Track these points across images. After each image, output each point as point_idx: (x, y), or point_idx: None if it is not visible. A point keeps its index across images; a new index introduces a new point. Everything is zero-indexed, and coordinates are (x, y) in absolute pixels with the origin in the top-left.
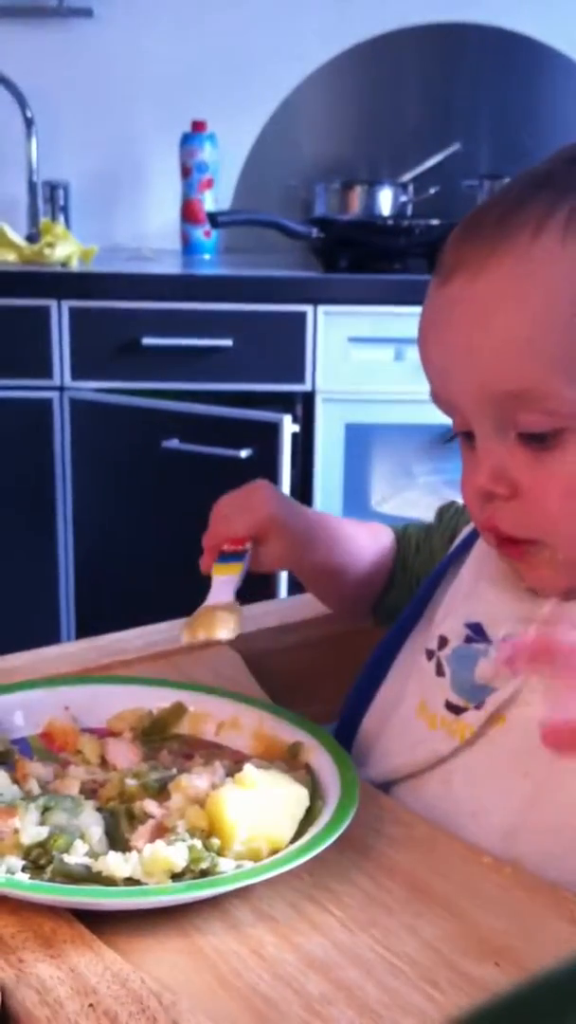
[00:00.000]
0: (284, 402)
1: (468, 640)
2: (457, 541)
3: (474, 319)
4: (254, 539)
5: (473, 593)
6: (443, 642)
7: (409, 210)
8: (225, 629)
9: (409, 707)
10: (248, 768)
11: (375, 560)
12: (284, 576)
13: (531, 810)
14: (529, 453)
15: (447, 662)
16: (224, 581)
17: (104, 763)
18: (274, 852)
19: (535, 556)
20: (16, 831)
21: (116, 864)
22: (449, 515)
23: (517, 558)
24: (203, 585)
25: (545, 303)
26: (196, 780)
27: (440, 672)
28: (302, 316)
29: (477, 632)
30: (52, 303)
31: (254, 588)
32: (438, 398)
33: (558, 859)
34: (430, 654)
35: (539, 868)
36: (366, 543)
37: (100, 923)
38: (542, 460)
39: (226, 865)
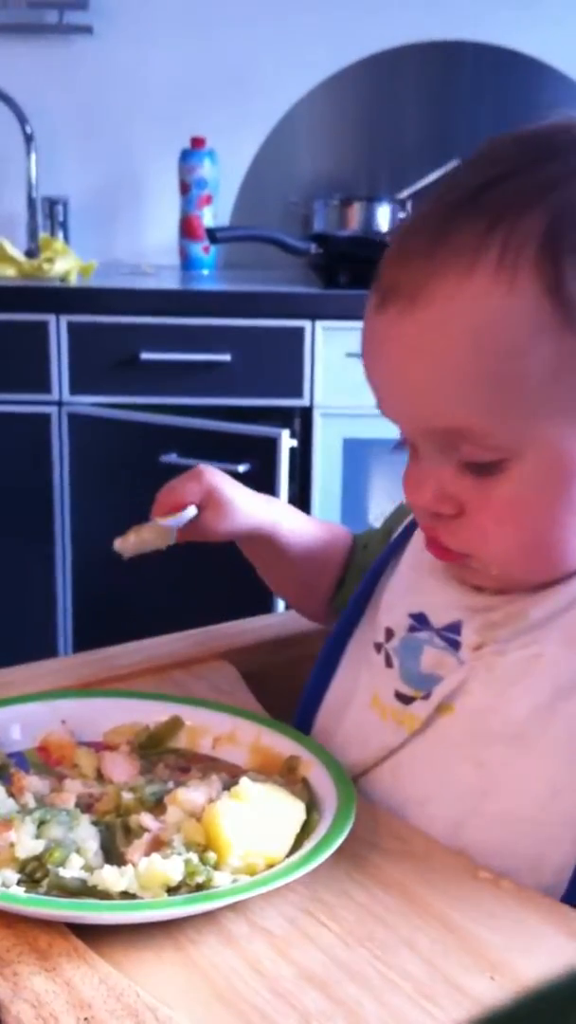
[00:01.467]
0: (282, 417)
1: (412, 630)
2: (394, 536)
3: (407, 355)
4: (198, 505)
5: (415, 584)
6: (389, 634)
7: None
8: (156, 536)
9: (362, 701)
10: (244, 782)
11: (328, 552)
12: None
13: (480, 800)
14: (471, 477)
15: (395, 653)
16: (151, 523)
17: (100, 776)
18: (270, 866)
19: (470, 566)
20: (12, 844)
21: (112, 878)
22: (391, 512)
23: (446, 560)
24: (201, 600)
25: (474, 345)
26: (193, 794)
27: (389, 663)
28: (301, 332)
29: (421, 621)
30: (51, 318)
31: (251, 604)
32: (383, 412)
33: (506, 849)
34: (378, 647)
35: (486, 858)
36: (320, 535)
37: (96, 937)
38: (485, 485)
39: (222, 879)
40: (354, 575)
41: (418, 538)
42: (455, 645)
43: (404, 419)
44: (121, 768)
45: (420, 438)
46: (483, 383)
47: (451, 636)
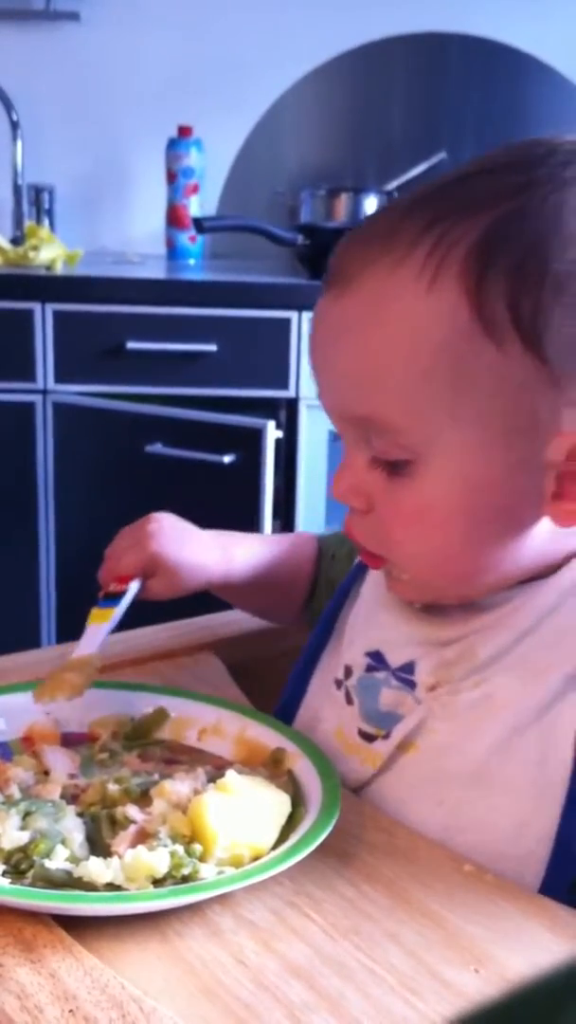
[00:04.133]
0: (268, 408)
1: (370, 669)
2: (356, 559)
3: (330, 340)
4: (143, 574)
5: (371, 619)
6: (348, 671)
7: None
8: (71, 692)
9: (327, 731)
10: (230, 774)
11: (293, 570)
12: None
13: (444, 837)
14: (384, 475)
15: (354, 691)
16: (92, 631)
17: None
18: (256, 858)
19: (391, 573)
20: None
21: (97, 869)
22: None
23: (375, 568)
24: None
25: (390, 339)
26: (178, 786)
27: (349, 701)
28: (287, 322)
29: (378, 660)
30: (36, 306)
31: None
32: (320, 400)
33: None
34: (338, 683)
35: None
36: (281, 555)
37: (81, 928)
38: (393, 484)
39: (207, 871)
40: (323, 586)
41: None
42: (411, 685)
43: (329, 404)
44: (61, 760)
45: (341, 425)
46: (395, 376)
47: (406, 676)
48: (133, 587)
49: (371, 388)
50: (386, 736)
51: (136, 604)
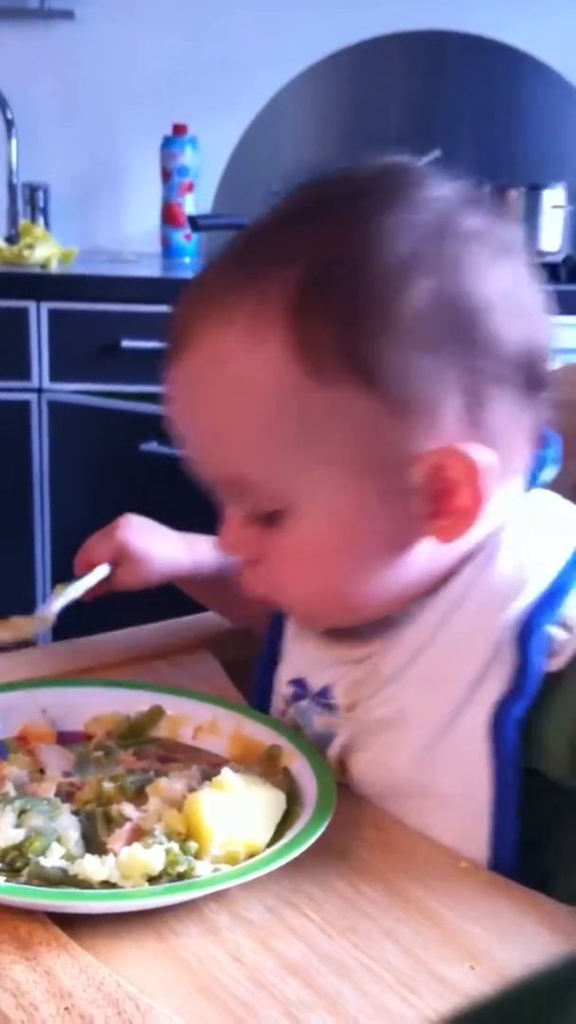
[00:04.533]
0: None
1: (297, 697)
2: None
3: (179, 407)
4: (111, 561)
5: (294, 643)
6: (285, 701)
7: None
8: (14, 632)
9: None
10: (226, 772)
11: None
12: None
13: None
14: (260, 526)
15: (297, 718)
16: (53, 596)
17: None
18: (251, 856)
19: (279, 606)
20: None
21: (93, 867)
22: None
23: (261, 603)
24: (179, 590)
25: (231, 400)
26: (174, 783)
27: (296, 727)
28: None
29: (300, 687)
30: (31, 305)
31: None
32: None
33: None
34: (282, 712)
35: None
36: None
37: (76, 926)
38: (270, 534)
39: (203, 869)
40: None
41: None
42: (332, 708)
43: (196, 468)
44: (56, 759)
45: (211, 485)
46: (243, 435)
47: (326, 701)
48: (99, 569)
49: (224, 449)
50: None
51: (136, 604)
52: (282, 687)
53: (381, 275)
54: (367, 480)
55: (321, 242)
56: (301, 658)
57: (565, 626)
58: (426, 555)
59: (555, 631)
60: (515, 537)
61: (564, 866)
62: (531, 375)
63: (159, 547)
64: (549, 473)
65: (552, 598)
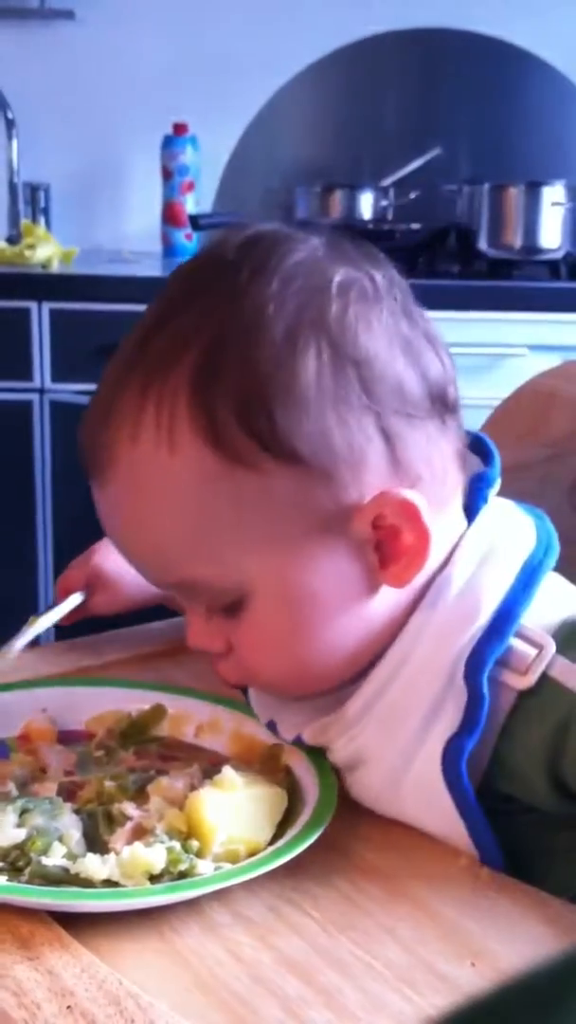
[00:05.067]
0: None
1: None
2: None
3: (114, 521)
4: (85, 587)
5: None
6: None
7: (390, 214)
8: None
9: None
10: (227, 770)
11: None
12: None
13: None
14: (222, 617)
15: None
16: (25, 628)
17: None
18: (252, 854)
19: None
20: None
21: (94, 866)
22: None
23: (238, 687)
24: None
25: (157, 511)
26: (175, 782)
27: None
28: None
29: (274, 729)
30: (32, 305)
31: None
32: None
33: None
34: None
35: None
36: None
37: (78, 925)
38: (235, 623)
39: (204, 867)
40: None
41: None
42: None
43: (145, 577)
44: (57, 758)
45: (167, 591)
46: (183, 538)
47: (300, 744)
48: (72, 598)
49: (165, 559)
50: None
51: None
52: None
53: (269, 351)
54: (311, 548)
55: (203, 331)
56: (270, 704)
57: (532, 643)
58: (384, 604)
59: (522, 647)
60: (465, 564)
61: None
62: (439, 403)
63: (131, 576)
64: (494, 491)
65: (501, 623)
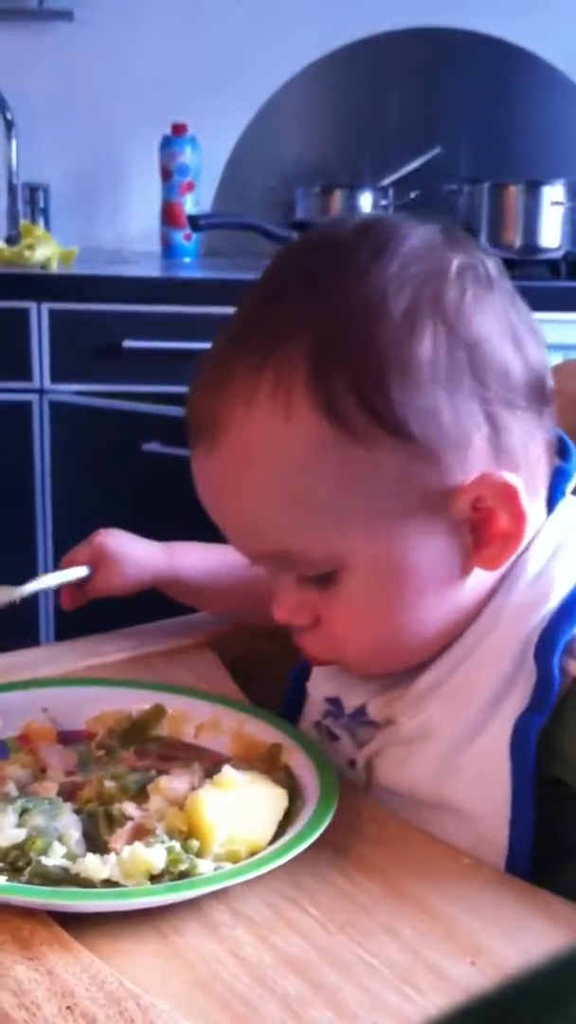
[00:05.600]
0: None
1: (330, 714)
2: None
3: (216, 488)
4: (90, 565)
5: (324, 670)
6: (324, 714)
7: (390, 213)
8: None
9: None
10: (227, 770)
11: (252, 582)
12: None
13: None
14: (315, 589)
15: (335, 728)
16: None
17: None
18: (253, 854)
19: (340, 665)
20: None
21: (94, 866)
22: None
23: (323, 665)
24: None
25: (269, 478)
26: (175, 782)
27: (333, 737)
28: None
29: (336, 705)
30: (32, 305)
31: None
32: None
33: None
34: (317, 724)
35: None
36: (241, 567)
37: (78, 925)
38: (327, 595)
39: (205, 867)
40: None
41: None
42: (367, 724)
43: (236, 546)
44: (58, 758)
45: (257, 561)
46: (286, 507)
47: (362, 718)
48: (78, 568)
49: (267, 527)
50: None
51: (137, 603)
52: (316, 700)
53: (388, 329)
54: (411, 525)
55: (322, 308)
56: (335, 680)
57: None
58: (473, 587)
59: None
60: (541, 552)
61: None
62: (538, 394)
63: (135, 551)
64: (571, 485)
65: (571, 610)
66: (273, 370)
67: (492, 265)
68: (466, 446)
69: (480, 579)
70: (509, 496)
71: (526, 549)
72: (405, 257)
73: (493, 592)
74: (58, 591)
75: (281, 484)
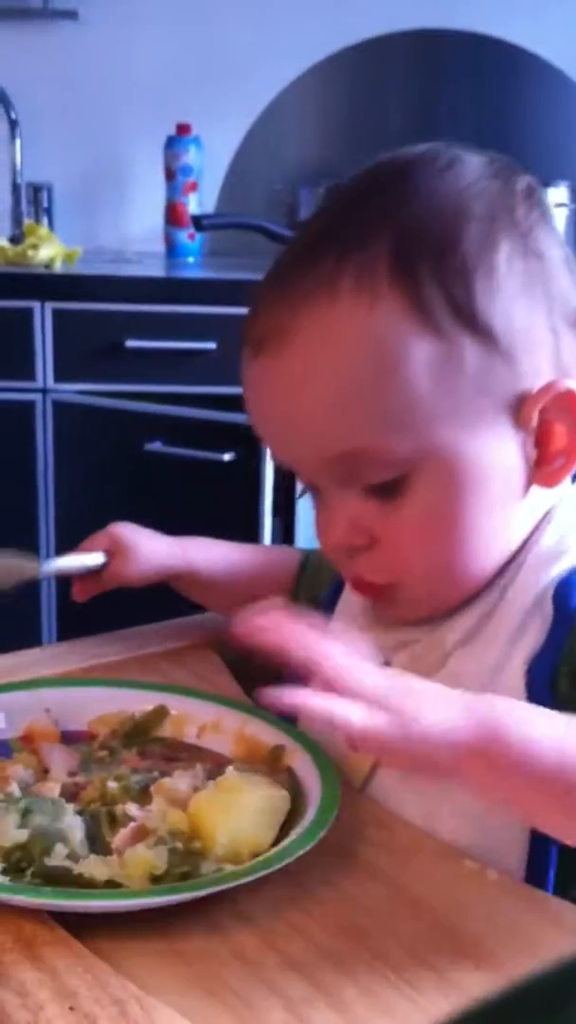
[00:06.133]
0: None
1: None
2: (328, 589)
3: (287, 391)
4: (106, 552)
5: (345, 632)
6: None
7: None
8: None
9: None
10: (230, 771)
11: (269, 575)
12: None
13: (429, 825)
14: (377, 502)
15: None
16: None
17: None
18: (256, 855)
19: (396, 596)
20: None
21: (97, 867)
22: None
23: (378, 599)
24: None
25: (350, 366)
26: (177, 783)
27: None
28: None
29: None
30: (35, 305)
31: None
32: (277, 459)
33: (472, 841)
34: None
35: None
36: (256, 562)
37: (81, 926)
38: (390, 507)
39: (207, 868)
40: (303, 599)
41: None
42: None
43: (301, 456)
44: (60, 758)
45: (319, 473)
46: (368, 401)
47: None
48: (96, 554)
49: (349, 420)
50: None
51: (139, 604)
52: None
53: (470, 230)
54: (485, 426)
55: (403, 210)
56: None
57: None
58: (523, 517)
59: None
60: (569, 503)
61: None
62: None
63: (150, 542)
64: None
65: None
66: (354, 266)
67: (544, 196)
68: (536, 351)
69: (529, 512)
70: (570, 405)
71: (560, 497)
72: (475, 172)
73: (524, 545)
74: (68, 586)
75: (367, 374)
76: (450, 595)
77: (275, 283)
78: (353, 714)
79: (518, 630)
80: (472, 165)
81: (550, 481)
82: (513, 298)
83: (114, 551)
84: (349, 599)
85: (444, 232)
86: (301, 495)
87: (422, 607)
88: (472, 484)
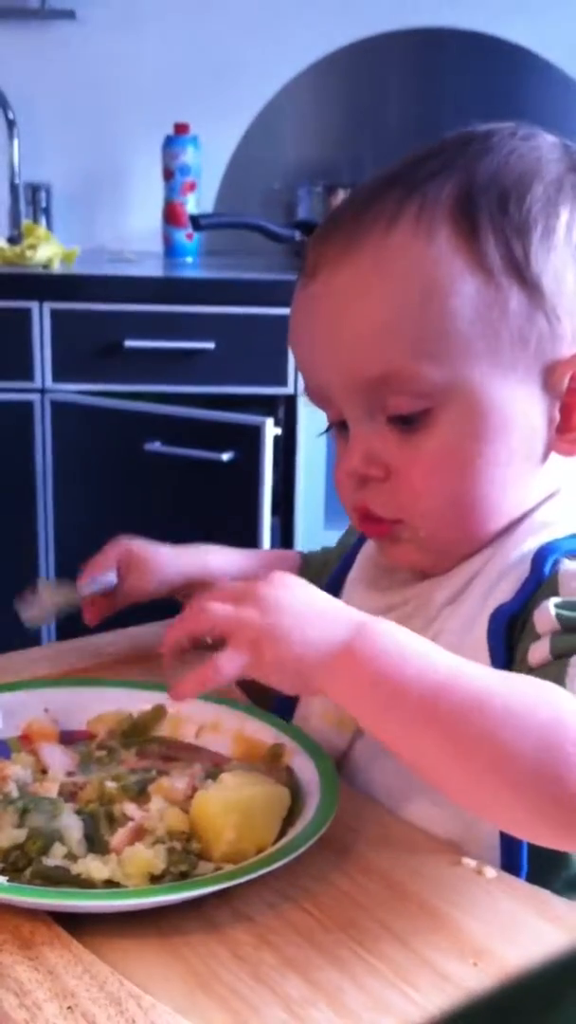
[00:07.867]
0: (266, 405)
1: None
2: (347, 551)
3: (335, 311)
4: (117, 569)
5: (348, 598)
6: None
7: None
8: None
9: (319, 716)
10: (234, 768)
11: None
12: None
13: (395, 803)
14: (398, 435)
15: None
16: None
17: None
18: (256, 854)
19: (399, 535)
20: None
21: (95, 866)
22: (346, 532)
23: (381, 536)
24: None
25: (399, 291)
26: (176, 783)
27: None
28: (284, 319)
29: None
30: (34, 305)
31: None
32: (311, 392)
33: (441, 825)
34: None
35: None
36: (262, 563)
37: (79, 925)
38: (410, 441)
39: (205, 867)
40: None
41: (363, 552)
42: None
43: (336, 382)
44: (59, 758)
45: (349, 400)
46: (411, 325)
47: None
48: (110, 575)
49: (388, 342)
50: None
51: (138, 604)
52: None
53: (539, 189)
54: (517, 377)
55: (482, 160)
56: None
57: None
58: (536, 485)
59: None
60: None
61: None
62: None
63: (162, 554)
64: None
65: None
66: (420, 199)
67: None
68: None
69: (539, 483)
70: None
71: (553, 494)
72: (550, 146)
73: (522, 517)
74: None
75: (410, 298)
76: (450, 542)
77: (340, 215)
78: (225, 609)
79: (492, 587)
80: (548, 140)
81: (570, 449)
82: (566, 263)
83: (126, 568)
84: (349, 599)
85: (514, 186)
86: (321, 434)
87: (423, 551)
88: (493, 430)
